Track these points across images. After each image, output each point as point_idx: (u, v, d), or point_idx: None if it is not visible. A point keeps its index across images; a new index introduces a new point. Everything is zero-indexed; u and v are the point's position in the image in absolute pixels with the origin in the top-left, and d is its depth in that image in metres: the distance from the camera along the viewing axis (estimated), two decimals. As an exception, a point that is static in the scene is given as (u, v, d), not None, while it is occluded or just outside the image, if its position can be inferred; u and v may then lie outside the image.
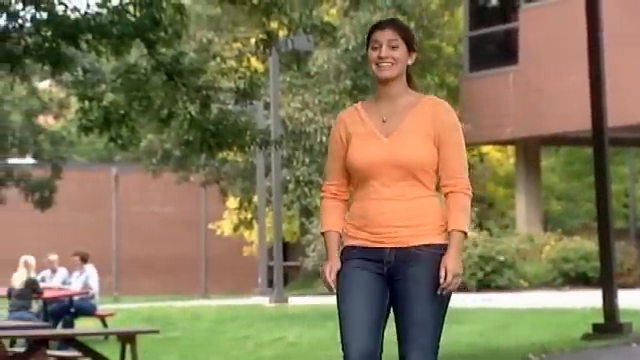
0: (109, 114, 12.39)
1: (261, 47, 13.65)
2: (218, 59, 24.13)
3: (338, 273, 5.19)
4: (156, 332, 13.86)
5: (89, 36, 11.09)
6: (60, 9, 11.30)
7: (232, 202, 37.21)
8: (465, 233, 5.15)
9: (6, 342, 14.11)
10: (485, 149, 37.77)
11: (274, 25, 13.82)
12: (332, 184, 5.37)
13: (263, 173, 31.96)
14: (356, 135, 5.24)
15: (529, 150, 31.66)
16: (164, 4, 11.84)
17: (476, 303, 21.87)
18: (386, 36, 5.21)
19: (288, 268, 35.71)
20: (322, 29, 14.04)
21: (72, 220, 38.81)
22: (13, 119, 29.27)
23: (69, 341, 13.04)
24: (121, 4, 11.69)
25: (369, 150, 5.18)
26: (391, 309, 5.23)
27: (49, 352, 13.58)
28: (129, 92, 12.45)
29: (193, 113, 12.75)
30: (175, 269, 39.95)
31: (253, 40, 14.97)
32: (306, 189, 35.23)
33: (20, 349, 14.25)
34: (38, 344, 12.21)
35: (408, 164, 5.13)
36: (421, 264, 5.10)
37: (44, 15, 11.21)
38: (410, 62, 5.30)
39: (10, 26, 11.04)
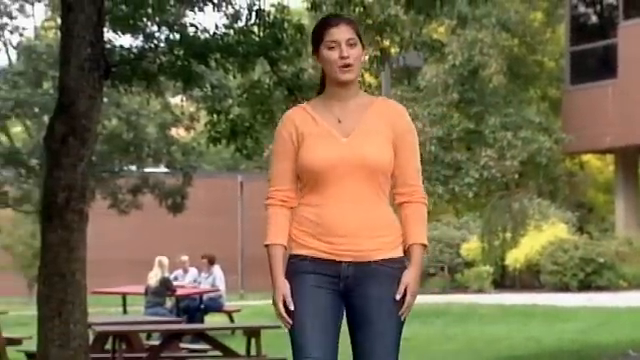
0: (235, 126, 12.49)
1: (374, 63, 13.63)
2: (335, 75, 24.12)
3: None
4: (279, 327, 13.91)
5: (217, 55, 11.19)
6: (191, 30, 11.44)
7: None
8: (425, 246, 4.39)
9: (143, 335, 14.30)
10: (585, 157, 37.21)
11: (387, 43, 13.79)
12: (280, 189, 4.46)
13: (376, 180, 31.86)
14: (310, 135, 4.36)
15: (627, 158, 31.13)
16: (286, 25, 11.90)
17: (578, 302, 21.56)
18: (344, 34, 4.38)
19: (400, 268, 35.53)
20: (431, 46, 13.97)
21: (201, 224, 39.20)
22: (148, 131, 29.70)
23: (200, 335, 13.17)
24: (246, 25, 11.78)
25: (327, 150, 4.31)
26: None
27: (181, 345, 13.74)
28: (253, 106, 12.54)
29: (312, 125, 12.74)
30: (295, 269, 40.08)
31: (367, 57, 14.95)
32: (416, 195, 35.08)
33: (155, 342, 14.44)
34: (172, 338, 12.36)
35: (371, 166, 4.30)
36: (380, 281, 4.28)
37: (177, 36, 11.36)
38: (363, 60, 4.53)
39: (146, 47, 11.20)
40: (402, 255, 4.36)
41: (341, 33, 4.38)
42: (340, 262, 4.28)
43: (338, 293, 4.30)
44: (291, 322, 4.28)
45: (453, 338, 16.77)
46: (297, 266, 4.33)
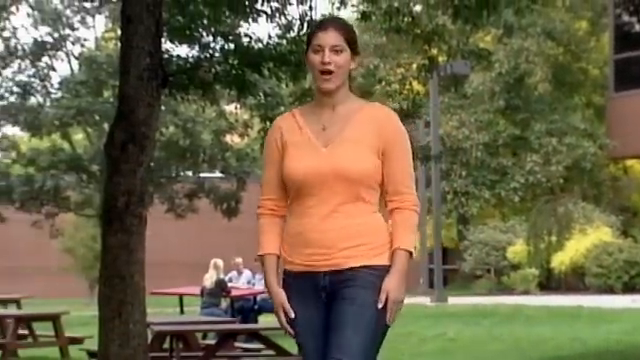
0: (288, 133, 12.49)
1: (422, 71, 13.59)
2: (383, 83, 24.15)
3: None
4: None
5: (270, 64, 11.20)
6: (245, 40, 11.47)
7: (396, 211, 37.18)
8: (411, 253, 4.18)
9: (199, 335, 14.37)
10: (629, 162, 36.86)
11: (434, 51, 13.75)
12: (268, 198, 4.31)
13: (424, 185, 31.83)
14: (292, 144, 4.22)
15: (671, 163, 30.82)
16: (336, 35, 11.88)
17: (623, 304, 21.38)
18: (329, 40, 4.19)
19: (447, 271, 35.46)
20: (478, 54, 13.91)
21: (255, 227, 39.24)
22: (204, 138, 29.83)
23: (253, 335, 13.20)
24: (298, 35, 11.79)
25: (306, 161, 4.16)
26: None
27: (236, 344, 13.77)
28: (305, 113, 12.55)
29: (362, 131, 12.74)
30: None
31: (415, 65, 14.90)
32: (463, 199, 35.03)
33: (211, 341, 14.50)
34: (227, 337, 12.39)
35: (349, 177, 4.11)
36: (354, 286, 4.10)
37: (232, 46, 11.39)
38: (353, 66, 4.27)
39: (202, 56, 11.24)
40: (387, 264, 4.13)
41: (327, 38, 4.20)
42: (317, 273, 4.14)
43: (323, 303, 4.17)
44: (293, 332, 4.21)
45: (499, 338, 16.68)
46: (286, 284, 4.22)
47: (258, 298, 19.54)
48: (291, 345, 12.86)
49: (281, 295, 4.19)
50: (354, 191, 4.13)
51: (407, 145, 4.25)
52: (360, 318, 4.08)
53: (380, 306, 4.08)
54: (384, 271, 4.12)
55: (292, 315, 4.17)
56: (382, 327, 4.14)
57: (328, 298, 4.15)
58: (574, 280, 30.15)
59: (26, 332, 14.37)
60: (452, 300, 26.95)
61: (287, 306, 4.17)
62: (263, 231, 4.30)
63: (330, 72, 4.18)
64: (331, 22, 4.30)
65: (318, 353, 4.14)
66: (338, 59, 4.19)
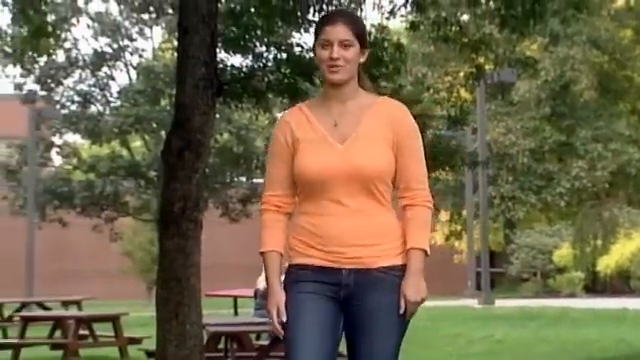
0: (338, 140, 12.52)
1: (470, 79, 13.54)
2: (431, 91, 24.10)
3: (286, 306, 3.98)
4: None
5: (321, 73, 11.24)
6: (297, 50, 11.51)
7: (443, 215, 37.11)
8: (426, 252, 3.97)
9: (253, 336, 14.41)
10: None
11: (482, 60, 13.70)
12: (274, 194, 4.05)
13: (471, 190, 31.71)
14: (304, 140, 3.97)
15: None
16: (385, 44, 11.89)
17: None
18: (338, 34, 3.97)
19: (494, 274, 35.26)
20: (525, 63, 13.84)
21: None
22: (257, 145, 29.93)
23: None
24: (349, 45, 11.81)
25: (322, 158, 3.93)
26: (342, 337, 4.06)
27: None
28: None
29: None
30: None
31: (462, 73, 14.86)
32: (510, 204, 34.86)
33: (264, 342, 14.53)
34: (279, 338, 12.41)
35: (367, 175, 3.90)
36: (382, 290, 3.91)
37: (284, 55, 11.43)
38: (362, 60, 4.06)
39: (255, 66, 11.29)
40: (404, 263, 3.96)
41: (335, 33, 3.98)
42: (341, 270, 3.91)
43: (338, 301, 3.94)
44: (283, 333, 3.98)
45: (546, 340, 16.54)
46: (297, 275, 3.97)
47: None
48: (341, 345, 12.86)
49: (280, 295, 3.96)
50: (372, 188, 3.92)
51: (419, 141, 4.06)
52: (390, 325, 3.93)
53: (402, 311, 3.92)
54: (404, 270, 3.95)
55: (284, 319, 3.95)
56: (404, 328, 3.99)
57: (346, 296, 3.93)
58: (619, 283, 29.86)
59: (87, 332, 14.47)
60: (499, 302, 26.78)
61: (282, 308, 3.96)
62: (266, 226, 4.06)
63: (338, 67, 3.98)
64: (339, 16, 4.08)
65: (310, 351, 3.91)
66: (347, 54, 3.99)
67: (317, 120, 4.01)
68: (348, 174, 3.90)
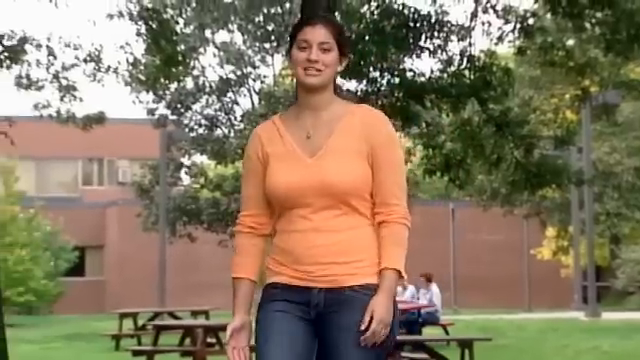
0: (449, 160, 12.46)
1: (576, 101, 13.36)
2: (538, 112, 23.82)
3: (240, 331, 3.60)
4: (489, 340, 13.73)
5: (432, 96, 11.22)
6: (409, 75, 11.51)
7: (551, 231, 36.64)
8: (399, 272, 3.50)
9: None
10: None
11: (587, 82, 13.49)
12: (249, 214, 3.65)
13: (577, 207, 31.19)
14: (274, 155, 3.57)
15: None
16: (494, 68, 11.82)
17: None
18: (318, 37, 3.53)
19: (600, 288, 34.56)
20: (629, 85, 13.60)
21: (418, 246, 38.96)
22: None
23: (418, 345, 13.14)
24: (458, 69, 11.76)
25: (290, 174, 3.52)
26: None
27: (403, 354, 13.74)
28: (465, 141, 12.49)
29: (518, 157, 12.66)
30: (502, 287, 39.49)
31: (568, 96, 14.66)
32: (615, 220, 34.25)
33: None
34: (394, 347, 12.37)
35: (338, 190, 3.47)
36: (351, 309, 3.46)
37: (397, 80, 11.45)
38: (340, 69, 3.61)
39: (369, 90, 11.34)
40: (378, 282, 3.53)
41: (315, 34, 3.54)
42: (311, 289, 3.50)
43: (309, 322, 3.53)
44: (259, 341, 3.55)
45: (652, 352, 16.14)
46: (269, 294, 3.58)
47: (422, 311, 19.46)
48: (452, 355, 12.75)
49: (240, 320, 3.60)
50: (345, 203, 3.50)
51: (397, 151, 3.59)
52: (355, 345, 3.46)
53: (363, 327, 3.43)
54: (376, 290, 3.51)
55: (232, 343, 3.58)
56: (381, 350, 3.51)
57: (317, 316, 3.52)
58: None
59: (214, 341, 14.66)
60: (605, 315, 26.26)
61: (232, 334, 3.59)
62: (238, 252, 3.67)
63: (317, 70, 3.54)
64: (322, 19, 3.61)
65: (275, 355, 3.49)
66: (326, 58, 3.55)
67: (289, 133, 3.59)
68: (316, 189, 3.49)
